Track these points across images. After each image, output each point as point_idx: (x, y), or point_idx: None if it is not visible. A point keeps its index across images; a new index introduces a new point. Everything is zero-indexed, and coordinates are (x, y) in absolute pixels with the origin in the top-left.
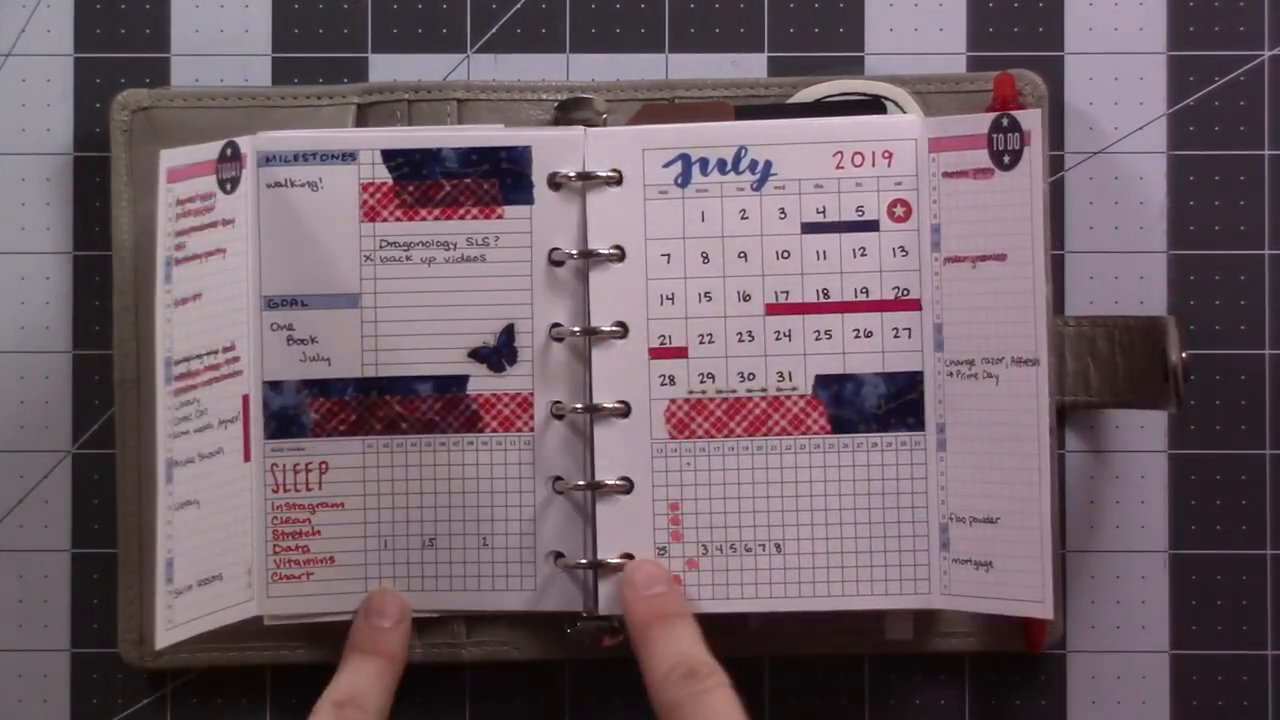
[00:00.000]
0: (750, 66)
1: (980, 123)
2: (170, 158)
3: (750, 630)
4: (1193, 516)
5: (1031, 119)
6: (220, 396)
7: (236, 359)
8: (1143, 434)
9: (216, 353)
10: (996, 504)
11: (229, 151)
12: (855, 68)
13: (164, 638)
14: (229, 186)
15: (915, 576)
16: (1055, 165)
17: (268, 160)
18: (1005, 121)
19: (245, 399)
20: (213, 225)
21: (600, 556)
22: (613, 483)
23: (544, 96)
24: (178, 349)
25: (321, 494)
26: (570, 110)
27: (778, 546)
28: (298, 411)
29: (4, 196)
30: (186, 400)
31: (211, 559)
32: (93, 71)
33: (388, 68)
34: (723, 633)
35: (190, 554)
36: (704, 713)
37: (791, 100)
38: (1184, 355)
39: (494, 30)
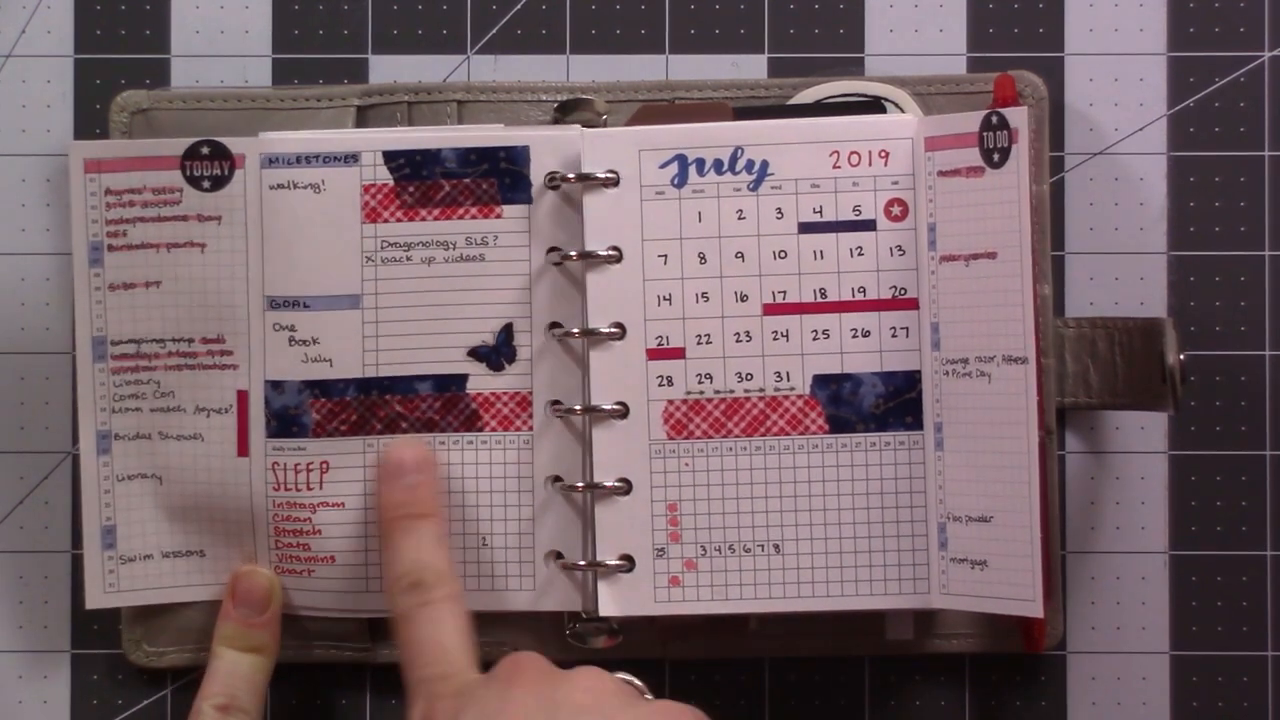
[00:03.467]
0: (750, 67)
1: (972, 121)
2: (84, 149)
3: (750, 631)
4: (1193, 517)
5: (1019, 117)
6: (199, 385)
7: (228, 353)
8: (1143, 435)
9: (191, 341)
10: (991, 502)
11: (204, 150)
12: (855, 69)
13: (101, 600)
14: (207, 184)
15: (914, 576)
16: (1055, 166)
17: (270, 162)
18: (995, 119)
19: (242, 395)
20: (181, 219)
21: (599, 558)
22: (611, 484)
23: (544, 97)
24: (116, 330)
25: (322, 494)
26: (570, 111)
27: (776, 547)
28: (299, 411)
29: (4, 197)
30: (135, 379)
31: (186, 535)
32: (93, 72)
33: (388, 69)
34: (722, 633)
35: (146, 525)
36: (424, 627)
37: (791, 101)
38: (1181, 357)
39: (494, 31)
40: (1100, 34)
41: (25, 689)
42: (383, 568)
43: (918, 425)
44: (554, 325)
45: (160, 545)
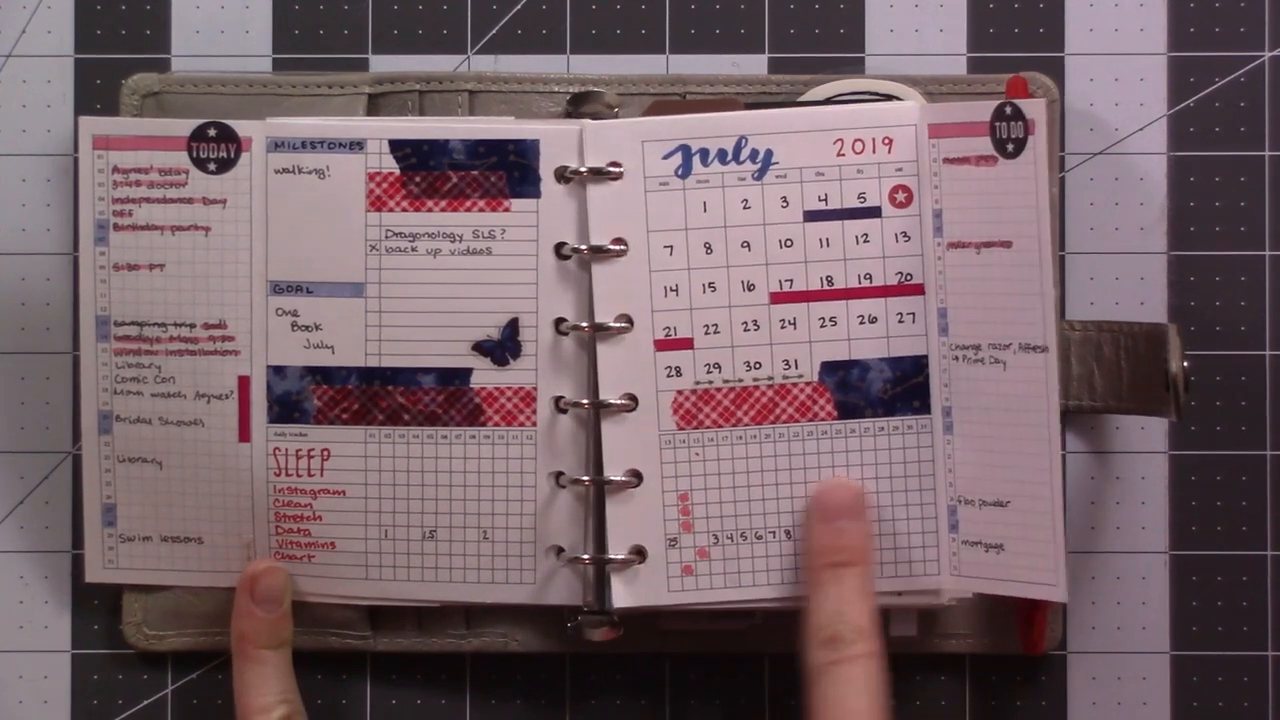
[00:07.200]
0: (750, 68)
1: (981, 110)
2: (93, 125)
3: (754, 624)
4: (1193, 517)
5: (1035, 108)
6: (199, 370)
7: (229, 338)
8: (1143, 435)
9: (193, 326)
10: (1006, 487)
11: (211, 132)
12: (856, 69)
13: (100, 575)
14: (213, 166)
15: (924, 558)
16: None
17: (277, 146)
18: (1009, 110)
19: (244, 380)
20: (186, 201)
21: (611, 552)
22: (621, 477)
23: (556, 89)
24: (120, 311)
25: (323, 480)
26: (582, 104)
27: (788, 533)
28: (301, 397)
29: (4, 197)
30: (137, 362)
31: (184, 521)
32: (93, 73)
33: (388, 69)
34: (722, 631)
35: (146, 508)
36: (834, 686)
37: (802, 99)
38: (1185, 364)
39: (494, 31)
40: (1100, 34)
41: (25, 689)
42: (805, 613)
43: (925, 410)
44: (560, 320)
45: (159, 529)
